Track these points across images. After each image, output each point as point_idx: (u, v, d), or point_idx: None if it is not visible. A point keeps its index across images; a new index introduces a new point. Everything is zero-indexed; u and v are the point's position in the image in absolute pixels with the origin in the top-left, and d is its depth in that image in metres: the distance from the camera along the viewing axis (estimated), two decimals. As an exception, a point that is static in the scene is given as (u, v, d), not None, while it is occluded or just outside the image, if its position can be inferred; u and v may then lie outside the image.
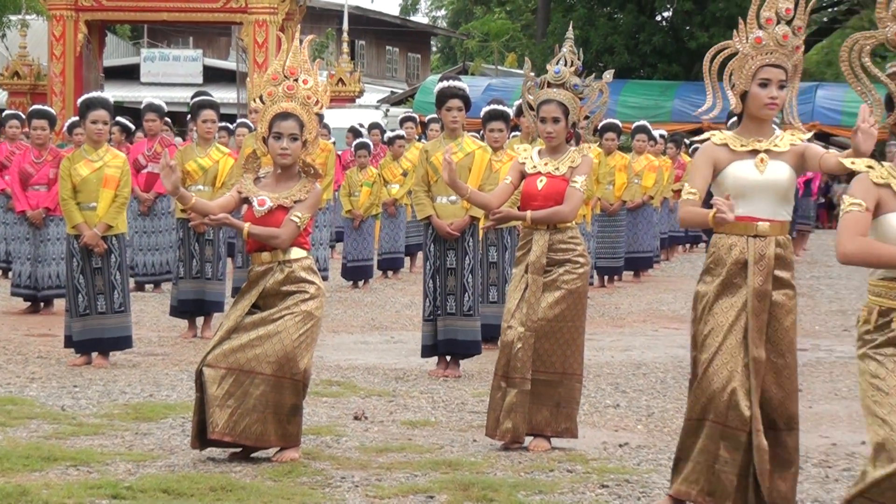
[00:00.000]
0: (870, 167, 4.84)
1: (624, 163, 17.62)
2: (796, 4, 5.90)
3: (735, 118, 6.24)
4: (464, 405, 9.04)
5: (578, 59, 7.64)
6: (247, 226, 7.18)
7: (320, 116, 7.88)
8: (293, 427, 7.17)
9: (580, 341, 7.62)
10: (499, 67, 46.53)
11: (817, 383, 10.17)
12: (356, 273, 17.41)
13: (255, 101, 7.48)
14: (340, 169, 18.69)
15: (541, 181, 7.64)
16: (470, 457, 7.36)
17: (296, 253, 7.24)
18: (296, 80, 7.31)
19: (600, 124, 15.47)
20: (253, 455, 7.23)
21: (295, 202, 7.23)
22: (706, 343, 5.93)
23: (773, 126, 6.05)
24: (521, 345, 7.45)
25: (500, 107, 11.27)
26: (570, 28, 8.19)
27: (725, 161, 5.91)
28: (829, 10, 46.73)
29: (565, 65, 7.62)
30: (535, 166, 7.70)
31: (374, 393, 9.49)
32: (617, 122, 17.95)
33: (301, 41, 7.52)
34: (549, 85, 7.64)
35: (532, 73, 7.92)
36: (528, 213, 7.60)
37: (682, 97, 32.45)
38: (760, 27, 5.89)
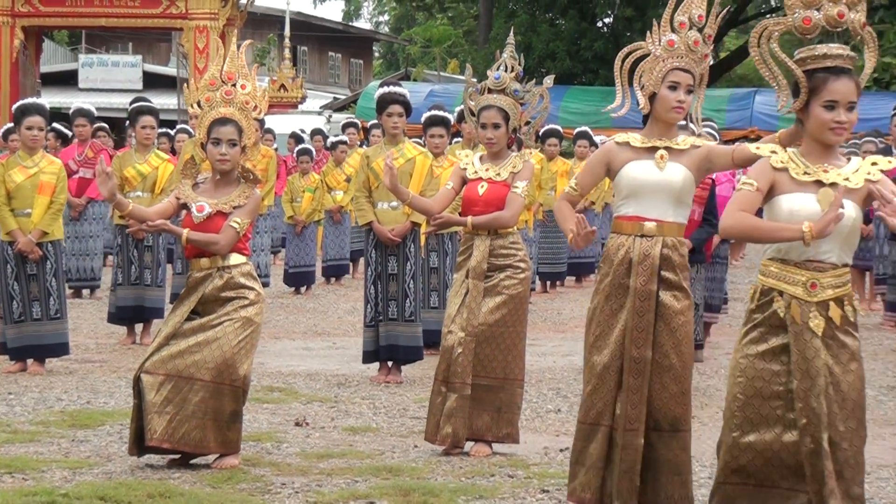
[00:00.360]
0: (773, 152, 4.91)
1: (566, 168, 17.65)
2: (708, 13, 5.92)
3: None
4: (405, 411, 9.03)
5: (519, 64, 7.66)
6: (185, 232, 7.14)
7: (261, 122, 7.86)
8: (233, 434, 7.15)
9: (521, 346, 7.63)
10: (441, 73, 46.52)
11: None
12: (298, 279, 17.34)
13: (193, 106, 7.44)
14: (284, 174, 18.61)
15: (482, 187, 7.64)
16: (411, 462, 7.35)
17: (235, 259, 7.22)
18: (234, 85, 7.29)
19: (542, 130, 15.55)
20: (192, 462, 7.19)
21: (234, 208, 7.20)
22: (596, 345, 5.95)
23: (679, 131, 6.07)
24: (461, 350, 7.45)
25: (441, 112, 11.27)
26: (511, 34, 8.22)
27: (623, 160, 5.92)
28: (768, 15, 47.11)
29: (506, 70, 7.63)
30: (476, 172, 7.71)
31: (316, 399, 9.46)
32: (558, 127, 18.01)
33: (238, 46, 7.49)
34: (490, 91, 7.65)
35: (473, 79, 7.94)
36: (469, 219, 7.62)
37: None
38: (674, 30, 5.91)
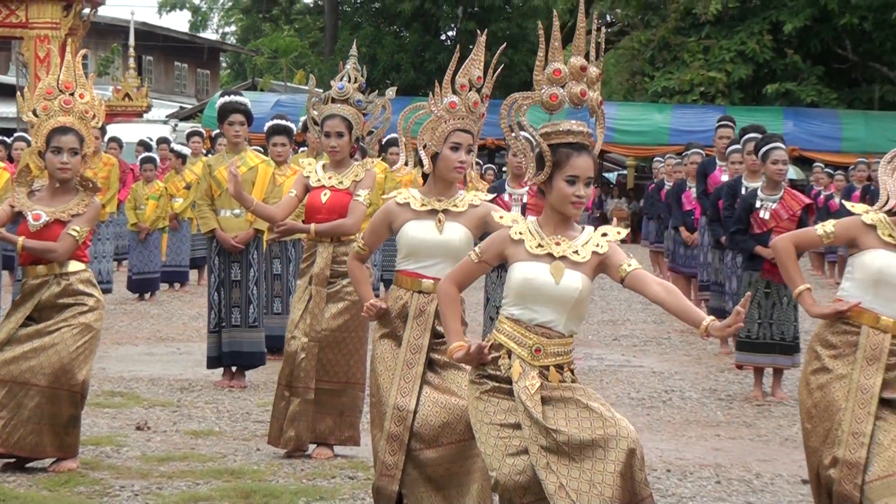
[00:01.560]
0: (514, 221, 5.04)
1: (409, 178, 17.70)
2: (485, 74, 5.97)
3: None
4: (248, 415, 8.98)
5: (363, 75, 7.69)
6: (20, 240, 7.04)
7: (102, 130, 7.75)
8: (71, 438, 7.06)
9: (363, 351, 7.64)
10: (288, 84, 46.31)
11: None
12: (142, 285, 17.18)
13: (28, 115, 7.29)
14: (131, 182, 18.38)
15: (325, 194, 7.67)
16: (253, 465, 7.33)
17: (73, 266, 7.13)
18: (72, 94, 7.20)
19: (384, 139, 15.58)
20: (28, 465, 7.07)
21: (73, 216, 7.11)
22: (373, 393, 6.01)
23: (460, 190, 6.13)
24: (304, 355, 7.46)
25: (283, 122, 11.26)
26: (354, 46, 8.24)
27: (403, 220, 5.98)
28: (603, 31, 47.92)
29: (349, 81, 7.66)
30: (319, 180, 7.72)
31: (158, 403, 9.36)
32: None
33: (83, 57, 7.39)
34: (334, 101, 7.68)
35: (317, 90, 7.94)
36: (313, 226, 7.63)
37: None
38: (455, 92, 5.95)
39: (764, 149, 10.30)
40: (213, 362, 10.23)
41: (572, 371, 4.96)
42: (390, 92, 7.95)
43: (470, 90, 5.95)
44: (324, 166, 7.81)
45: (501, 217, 5.19)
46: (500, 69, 6.10)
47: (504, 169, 12.80)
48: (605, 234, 4.97)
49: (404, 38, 39.93)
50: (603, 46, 5.06)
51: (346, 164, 7.74)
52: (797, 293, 5.88)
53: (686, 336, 14.22)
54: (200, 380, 10.44)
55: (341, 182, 7.67)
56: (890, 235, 5.72)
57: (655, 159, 25.20)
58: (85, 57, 8.69)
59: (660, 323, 15.64)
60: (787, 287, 10.05)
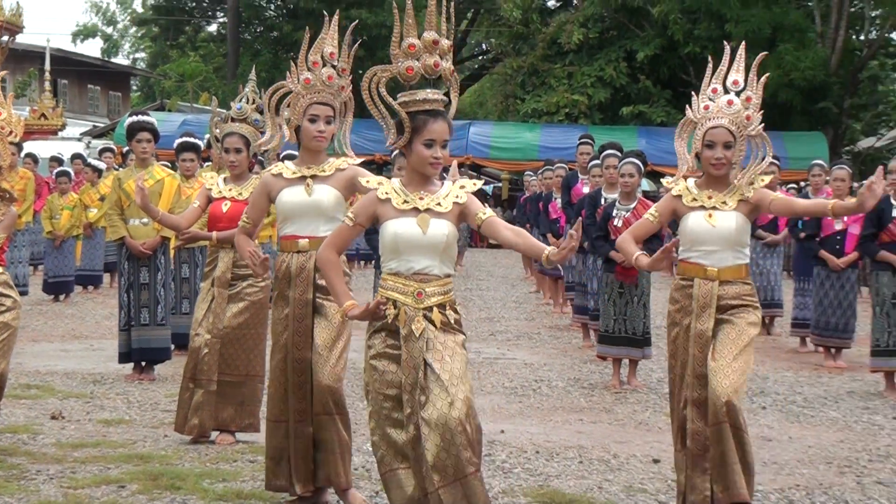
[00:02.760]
0: (380, 182, 5.13)
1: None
2: (340, 49, 6.00)
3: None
4: (157, 405, 8.88)
5: (259, 97, 7.66)
6: None
7: (18, 146, 7.60)
8: (-11, 427, 6.92)
9: (262, 346, 7.59)
10: (193, 105, 45.75)
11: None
12: (57, 288, 16.96)
13: None
14: (46, 194, 18.09)
15: (225, 205, 7.66)
16: (161, 450, 7.25)
17: (-9, 268, 6.99)
18: None
19: (282, 154, 15.50)
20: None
21: None
22: (272, 351, 6.06)
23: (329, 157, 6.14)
24: (207, 350, 7.41)
25: (191, 139, 11.16)
26: (254, 70, 8.20)
27: (279, 188, 6.03)
28: (479, 58, 48.23)
29: (247, 102, 7.64)
30: (220, 192, 7.70)
31: (73, 395, 9.21)
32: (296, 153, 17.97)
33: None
34: (234, 120, 7.65)
35: (219, 110, 7.92)
36: (215, 234, 7.62)
37: (357, 132, 32.72)
38: (309, 69, 5.99)
39: (620, 163, 10.46)
40: (123, 357, 10.10)
41: (455, 309, 5.00)
42: (285, 112, 7.90)
43: (324, 66, 5.96)
44: (225, 179, 7.78)
45: (368, 181, 5.28)
46: (356, 44, 6.08)
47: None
48: (462, 187, 5.05)
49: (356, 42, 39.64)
50: (453, 19, 5.04)
51: (244, 178, 7.72)
52: (634, 259, 5.97)
53: (553, 332, 14.35)
54: (112, 373, 10.29)
55: (241, 193, 7.65)
56: (693, 199, 5.95)
57: (526, 173, 25.38)
58: (3, 80, 8.52)
59: (531, 320, 15.76)
60: (638, 287, 10.27)
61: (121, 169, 14.25)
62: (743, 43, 6.20)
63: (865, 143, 41.20)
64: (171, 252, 10.48)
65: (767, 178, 5.96)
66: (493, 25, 41.35)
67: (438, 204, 4.98)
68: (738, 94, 5.89)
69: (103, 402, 8.97)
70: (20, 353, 10.38)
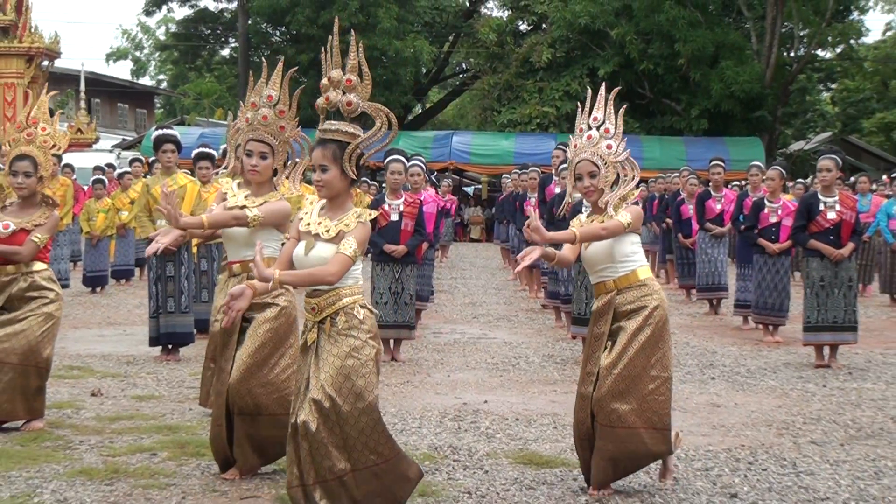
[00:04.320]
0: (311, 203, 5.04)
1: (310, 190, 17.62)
2: (280, 94, 5.83)
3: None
4: (182, 382, 8.86)
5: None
6: None
7: (59, 158, 7.60)
8: (38, 403, 6.94)
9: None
10: (209, 119, 45.70)
11: (454, 357, 10.50)
12: (94, 281, 16.88)
13: (5, 145, 7.19)
14: (83, 199, 18.07)
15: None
16: (187, 422, 7.24)
17: (38, 266, 7.03)
18: (36, 127, 7.07)
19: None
20: (4, 426, 6.90)
21: (35, 226, 7.02)
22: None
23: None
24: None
25: (207, 149, 11.13)
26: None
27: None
28: (460, 76, 48.15)
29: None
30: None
31: (109, 374, 9.18)
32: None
33: (52, 100, 7.28)
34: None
35: (234, 123, 7.84)
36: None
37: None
38: (248, 110, 5.85)
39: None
40: (153, 341, 10.08)
41: (347, 314, 4.81)
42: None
43: (261, 108, 5.81)
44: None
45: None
46: (299, 91, 5.92)
47: (384, 185, 12.76)
48: (359, 217, 4.86)
49: (302, 83, 39.60)
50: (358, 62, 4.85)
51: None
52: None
53: (530, 314, 14.36)
54: (143, 355, 10.26)
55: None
56: (581, 226, 5.70)
57: (503, 176, 25.39)
58: (51, 99, 8.52)
59: (509, 304, 15.77)
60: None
61: (148, 176, 14.22)
62: (603, 84, 6.00)
63: (796, 146, 41.46)
64: (193, 248, 10.45)
65: (632, 197, 5.77)
66: (472, 47, 41.26)
67: (327, 230, 4.85)
68: (597, 128, 5.72)
69: (136, 380, 8.95)
70: (63, 338, 10.35)
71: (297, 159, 5.93)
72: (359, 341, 4.80)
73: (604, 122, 5.72)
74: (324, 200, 4.93)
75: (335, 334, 4.80)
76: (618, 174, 5.72)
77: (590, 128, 5.75)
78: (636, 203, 5.88)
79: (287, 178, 5.84)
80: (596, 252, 5.73)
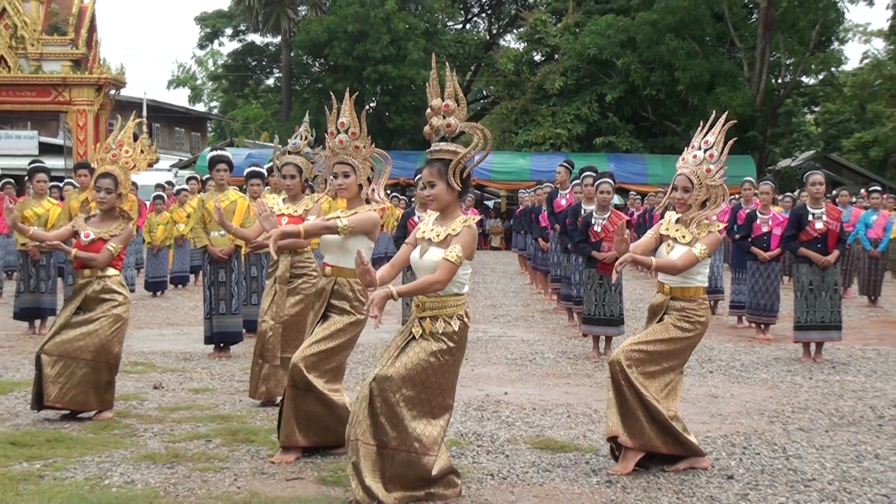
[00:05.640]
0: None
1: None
2: (350, 119, 5.88)
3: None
4: (233, 376, 8.91)
5: (311, 135, 7.66)
6: (74, 250, 7.00)
7: (129, 177, 7.68)
8: (108, 395, 7.00)
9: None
10: (256, 142, 45.86)
11: (477, 354, 10.50)
12: (155, 286, 17.01)
13: (94, 163, 7.35)
14: (145, 213, 18.20)
15: (284, 220, 7.62)
16: (238, 412, 7.27)
17: (110, 271, 7.10)
18: (120, 148, 7.16)
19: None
20: (79, 415, 6.97)
21: (112, 236, 7.10)
22: None
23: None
24: (272, 333, 7.40)
25: (257, 168, 11.18)
26: (307, 114, 8.20)
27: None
28: (481, 101, 48.14)
29: (301, 139, 7.62)
30: (280, 209, 7.69)
31: (169, 369, 9.24)
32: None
33: (124, 124, 7.39)
34: (290, 153, 7.63)
35: (279, 145, 7.92)
36: (301, 227, 7.60)
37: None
38: (328, 139, 5.92)
39: (597, 182, 10.45)
40: (207, 340, 10.13)
41: (445, 321, 4.88)
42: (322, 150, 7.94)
43: (338, 134, 5.87)
44: (283, 199, 7.78)
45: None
46: (363, 113, 5.98)
47: (413, 199, 12.84)
48: (465, 222, 4.92)
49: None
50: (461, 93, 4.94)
51: (299, 198, 7.69)
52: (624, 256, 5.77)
53: (545, 315, 14.34)
54: (198, 352, 10.32)
55: (296, 210, 7.62)
56: (666, 229, 5.88)
57: (520, 191, 25.38)
58: (111, 124, 8.62)
59: (527, 305, 15.75)
60: (614, 279, 10.21)
61: (203, 192, 14.31)
62: (725, 113, 6.00)
63: (783, 163, 41.23)
64: (243, 257, 10.50)
65: (714, 225, 5.83)
66: (492, 76, 41.29)
67: (437, 235, 4.92)
68: (706, 150, 5.81)
69: (192, 374, 9.01)
70: (128, 337, 10.42)
71: (379, 171, 5.97)
72: (446, 346, 4.89)
73: (712, 147, 5.78)
74: (437, 213, 5.03)
75: (429, 335, 4.89)
76: (708, 197, 5.77)
77: (699, 148, 5.82)
78: (719, 230, 5.91)
79: (372, 191, 5.81)
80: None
